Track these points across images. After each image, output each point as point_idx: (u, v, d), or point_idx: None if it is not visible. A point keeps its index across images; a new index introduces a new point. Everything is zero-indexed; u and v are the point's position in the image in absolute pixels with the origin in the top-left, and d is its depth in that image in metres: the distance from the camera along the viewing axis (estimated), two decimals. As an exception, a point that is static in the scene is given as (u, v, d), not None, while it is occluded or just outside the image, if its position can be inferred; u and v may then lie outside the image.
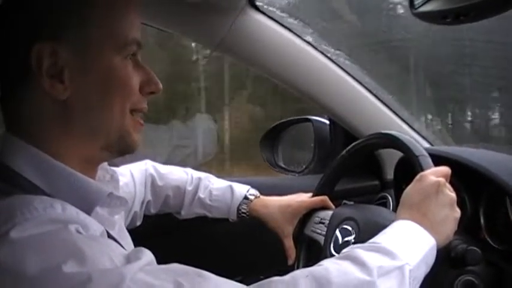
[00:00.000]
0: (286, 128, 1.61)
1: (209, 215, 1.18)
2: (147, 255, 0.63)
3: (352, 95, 1.34)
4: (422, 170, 0.86)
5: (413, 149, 0.91)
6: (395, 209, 0.91)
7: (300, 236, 1.13)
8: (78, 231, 0.61)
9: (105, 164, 0.84)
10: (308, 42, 1.27)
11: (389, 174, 1.33)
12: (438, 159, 0.90)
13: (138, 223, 1.14)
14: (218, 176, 1.23)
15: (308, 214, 1.13)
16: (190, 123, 4.51)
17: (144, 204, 1.16)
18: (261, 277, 0.71)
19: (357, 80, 1.34)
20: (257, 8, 1.19)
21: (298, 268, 1.04)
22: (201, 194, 1.17)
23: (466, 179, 0.99)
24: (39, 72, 0.68)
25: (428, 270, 0.76)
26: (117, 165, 1.04)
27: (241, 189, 1.17)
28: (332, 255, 0.93)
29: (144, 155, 1.14)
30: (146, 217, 1.16)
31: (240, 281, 0.66)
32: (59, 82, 0.69)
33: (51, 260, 0.57)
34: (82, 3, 0.71)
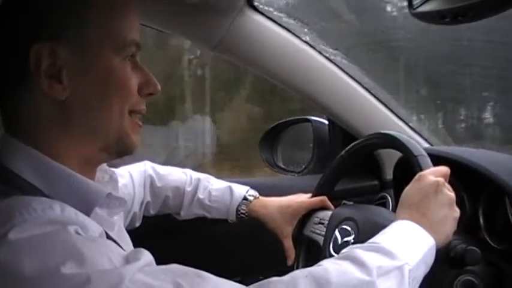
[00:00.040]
0: (285, 129, 1.60)
1: (208, 215, 1.18)
2: (146, 256, 0.63)
3: (350, 94, 1.34)
4: (421, 169, 0.86)
5: (412, 149, 0.91)
6: (394, 209, 0.91)
7: (300, 237, 1.13)
8: (77, 232, 0.61)
9: (104, 165, 0.84)
10: (306, 42, 1.27)
11: (389, 174, 1.33)
12: (437, 159, 0.90)
13: (138, 224, 1.14)
14: (217, 177, 1.23)
15: (307, 214, 1.13)
16: (189, 124, 4.51)
17: (143, 205, 1.16)
18: (260, 277, 0.70)
19: (355, 80, 1.34)
20: (255, 9, 1.19)
21: (297, 268, 1.03)
22: (200, 195, 1.17)
23: (465, 178, 0.98)
24: (38, 72, 0.68)
25: (428, 270, 0.76)
26: (116, 166, 1.04)
27: (241, 190, 1.17)
28: (331, 256, 0.93)
29: (143, 156, 1.14)
30: (145, 218, 1.16)
31: (239, 282, 0.66)
32: (57, 82, 0.69)
33: (50, 261, 0.57)
34: (82, 3, 0.71)
